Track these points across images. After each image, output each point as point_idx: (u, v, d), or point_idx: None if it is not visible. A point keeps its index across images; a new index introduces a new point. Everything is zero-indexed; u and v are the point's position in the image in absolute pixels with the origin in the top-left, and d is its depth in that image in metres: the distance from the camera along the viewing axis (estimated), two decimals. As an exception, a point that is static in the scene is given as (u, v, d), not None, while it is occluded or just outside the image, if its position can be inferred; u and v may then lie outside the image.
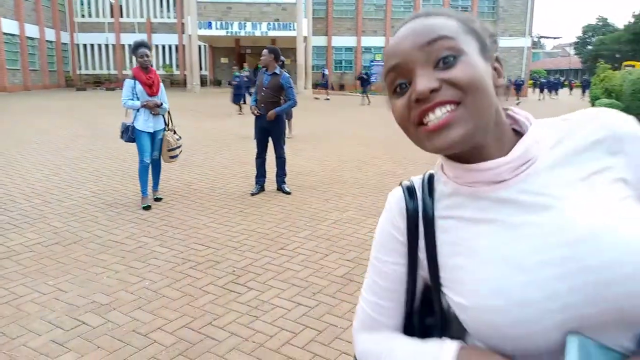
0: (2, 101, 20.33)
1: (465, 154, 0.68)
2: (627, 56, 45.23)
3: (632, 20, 49.96)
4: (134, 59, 5.15)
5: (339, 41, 35.10)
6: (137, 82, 5.01)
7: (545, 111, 22.90)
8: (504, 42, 35.14)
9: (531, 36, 36.67)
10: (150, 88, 5.07)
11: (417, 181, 0.78)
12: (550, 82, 37.22)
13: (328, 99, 24.23)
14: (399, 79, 0.67)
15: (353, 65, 35.41)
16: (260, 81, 5.80)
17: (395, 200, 0.77)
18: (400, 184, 0.78)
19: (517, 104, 23.00)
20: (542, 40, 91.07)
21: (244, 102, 16.09)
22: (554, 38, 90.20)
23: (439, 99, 0.62)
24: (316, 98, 24.40)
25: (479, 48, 0.66)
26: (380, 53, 35.06)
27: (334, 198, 5.78)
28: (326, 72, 30.36)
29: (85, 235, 4.39)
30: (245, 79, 16.32)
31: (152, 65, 5.19)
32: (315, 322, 2.93)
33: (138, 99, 5.03)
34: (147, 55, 5.01)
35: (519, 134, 0.71)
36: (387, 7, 34.71)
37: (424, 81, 0.63)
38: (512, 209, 0.66)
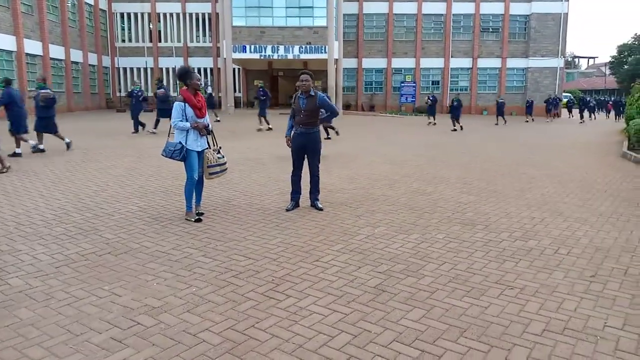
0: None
1: None
2: (665, 75, 44.08)
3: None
4: (170, 80, 5.58)
5: (369, 63, 35.62)
6: (186, 104, 5.39)
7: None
8: (536, 62, 34.99)
9: (564, 56, 36.34)
10: (200, 111, 5.46)
11: None
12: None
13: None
14: None
15: (383, 86, 35.78)
16: (297, 105, 6.03)
17: None
18: None
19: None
20: (577, 60, 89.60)
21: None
22: (590, 58, 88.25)
23: None
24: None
25: None
26: (411, 74, 35.37)
27: (365, 214, 5.99)
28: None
29: (134, 246, 4.72)
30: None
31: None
32: (351, 328, 3.13)
33: (187, 120, 5.41)
34: (200, 80, 5.43)
35: None
36: (418, 30, 35.10)
37: None
38: None
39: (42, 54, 26.56)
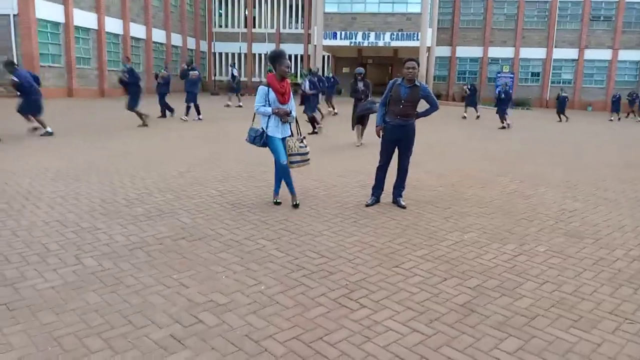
0: (150, 102, 22.54)
1: None
2: None
3: None
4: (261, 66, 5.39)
5: (464, 51, 33.93)
6: (270, 89, 5.20)
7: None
8: (656, 54, 31.45)
9: (690, 48, 32.29)
10: (283, 96, 5.26)
11: None
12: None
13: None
14: None
15: (478, 76, 33.96)
16: (396, 94, 5.51)
17: None
18: None
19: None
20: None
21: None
22: None
23: None
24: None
25: None
26: (509, 65, 33.24)
27: (454, 216, 5.45)
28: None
29: (209, 233, 4.59)
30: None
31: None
32: (433, 354, 2.71)
33: (270, 105, 5.21)
34: (289, 67, 5.26)
35: None
36: (519, 17, 32.82)
37: None
38: None
39: (145, 38, 28.09)
